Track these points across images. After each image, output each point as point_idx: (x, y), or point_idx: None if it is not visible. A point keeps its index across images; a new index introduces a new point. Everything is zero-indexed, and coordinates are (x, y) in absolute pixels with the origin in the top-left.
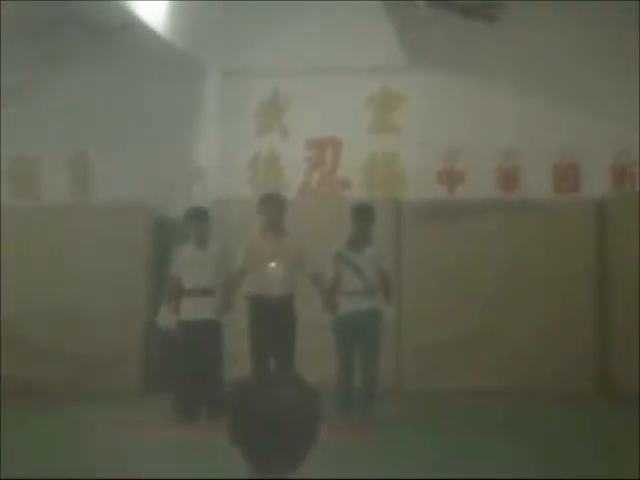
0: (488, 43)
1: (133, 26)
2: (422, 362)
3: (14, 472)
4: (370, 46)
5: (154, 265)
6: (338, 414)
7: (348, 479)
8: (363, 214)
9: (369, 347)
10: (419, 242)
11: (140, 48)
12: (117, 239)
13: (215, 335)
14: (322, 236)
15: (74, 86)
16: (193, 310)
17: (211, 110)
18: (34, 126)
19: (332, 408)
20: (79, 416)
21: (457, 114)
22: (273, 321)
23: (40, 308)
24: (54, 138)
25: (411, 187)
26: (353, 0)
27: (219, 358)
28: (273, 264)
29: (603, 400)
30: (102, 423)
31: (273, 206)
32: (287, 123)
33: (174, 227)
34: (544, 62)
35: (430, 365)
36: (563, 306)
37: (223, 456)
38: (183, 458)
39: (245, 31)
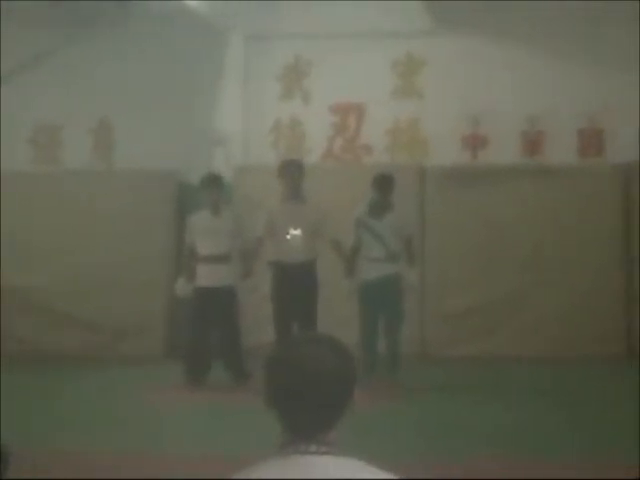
0: (512, 6)
1: None
2: (446, 328)
3: (44, 433)
4: (393, 10)
5: (177, 232)
6: (362, 380)
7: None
8: (383, 183)
9: (392, 313)
10: (442, 208)
11: (163, 14)
12: (140, 205)
13: (230, 301)
14: (344, 202)
15: (96, 53)
16: (208, 277)
17: (233, 76)
18: (56, 93)
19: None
20: (105, 381)
21: (481, 79)
22: (295, 286)
23: (65, 275)
24: (76, 105)
25: (434, 152)
26: None
27: (235, 324)
28: (294, 230)
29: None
30: (127, 387)
31: (291, 172)
32: (309, 88)
33: (196, 194)
34: (569, 26)
35: (454, 331)
36: (587, 271)
37: (248, 419)
38: (207, 421)
39: None
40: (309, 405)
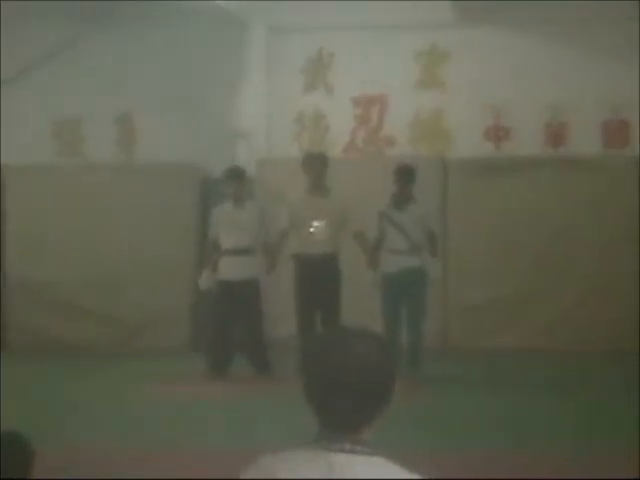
0: None
1: None
2: (467, 320)
3: (62, 427)
4: (417, 2)
5: (200, 225)
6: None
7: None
8: (404, 174)
9: (414, 306)
10: (465, 200)
11: (185, 6)
12: (163, 199)
13: (254, 294)
14: (367, 194)
15: (118, 46)
16: (231, 270)
17: (256, 68)
18: (78, 86)
19: None
20: (126, 374)
21: (504, 70)
22: (318, 278)
23: (88, 269)
24: (99, 98)
25: (457, 144)
26: None
27: (259, 316)
28: (317, 223)
29: None
30: (148, 379)
31: (315, 165)
32: (332, 80)
33: (219, 187)
34: (593, 17)
35: (476, 323)
36: (611, 263)
37: (271, 411)
38: (229, 413)
39: None
40: (347, 401)
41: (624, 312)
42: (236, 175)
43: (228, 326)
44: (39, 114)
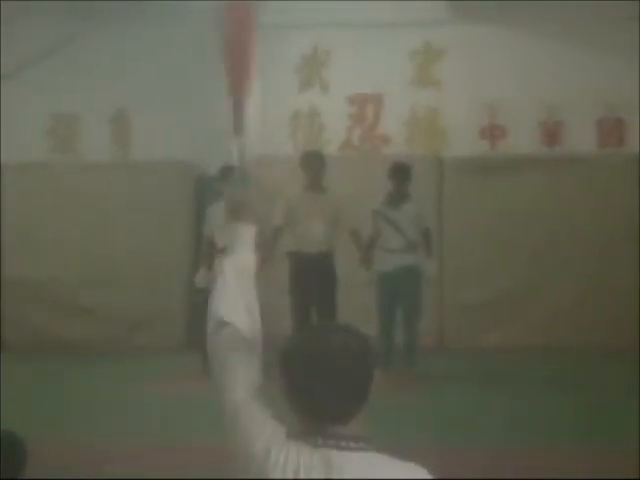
0: None
1: None
2: (464, 319)
3: (59, 423)
4: (411, 0)
5: (196, 223)
6: (379, 372)
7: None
8: (399, 172)
9: (410, 304)
10: (461, 199)
11: (181, 4)
12: (159, 197)
13: None
14: (363, 192)
15: (116, 44)
16: None
17: None
18: (74, 83)
19: None
20: (122, 371)
21: (500, 68)
22: (313, 276)
23: (86, 267)
24: (96, 95)
25: (453, 143)
26: None
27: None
28: (312, 221)
29: None
30: (144, 377)
31: (313, 164)
32: (328, 78)
33: (215, 185)
34: (589, 15)
35: (472, 322)
36: (607, 261)
37: (267, 406)
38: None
39: None
40: (326, 397)
41: (624, 311)
42: (231, 174)
43: None
44: (36, 111)
